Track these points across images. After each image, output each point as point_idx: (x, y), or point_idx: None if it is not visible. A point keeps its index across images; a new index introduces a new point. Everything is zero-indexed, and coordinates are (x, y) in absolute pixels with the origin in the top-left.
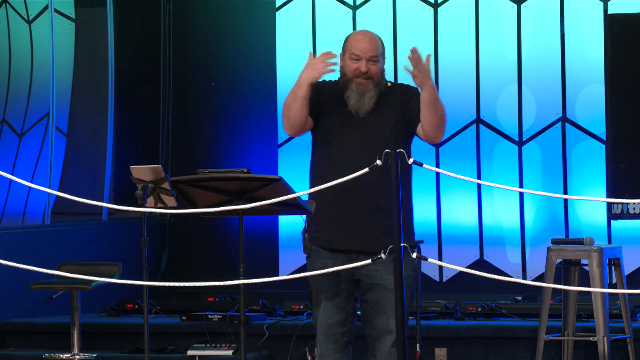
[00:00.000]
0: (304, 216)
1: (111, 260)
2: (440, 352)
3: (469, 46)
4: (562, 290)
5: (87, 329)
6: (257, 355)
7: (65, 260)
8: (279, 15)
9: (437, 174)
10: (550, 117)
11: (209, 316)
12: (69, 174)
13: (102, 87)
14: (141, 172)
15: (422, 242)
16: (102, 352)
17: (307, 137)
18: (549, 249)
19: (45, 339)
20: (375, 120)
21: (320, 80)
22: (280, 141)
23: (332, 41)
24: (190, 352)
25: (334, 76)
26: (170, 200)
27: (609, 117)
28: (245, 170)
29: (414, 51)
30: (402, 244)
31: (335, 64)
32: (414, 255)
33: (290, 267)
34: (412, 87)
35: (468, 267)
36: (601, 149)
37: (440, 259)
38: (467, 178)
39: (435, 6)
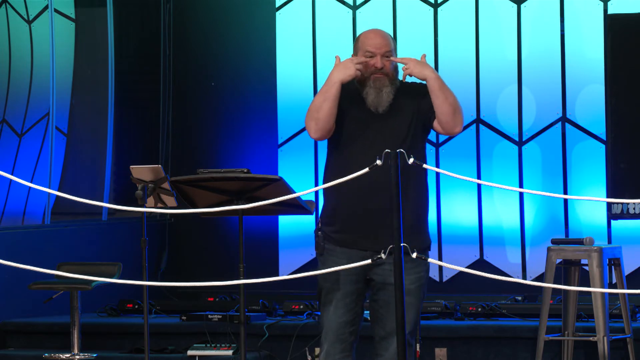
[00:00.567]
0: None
1: (111, 260)
2: (440, 352)
3: (469, 46)
4: (562, 290)
5: (87, 329)
6: (257, 355)
7: (65, 260)
8: (279, 15)
9: (437, 174)
10: (550, 117)
11: (209, 316)
12: (69, 174)
13: (102, 87)
14: (141, 172)
15: None
16: (102, 352)
17: (307, 137)
18: (549, 249)
19: (45, 339)
20: (394, 116)
21: None
22: (280, 141)
23: (332, 41)
24: (190, 352)
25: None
26: (170, 200)
27: (609, 117)
28: (245, 170)
29: (392, 59)
30: (402, 244)
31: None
32: (414, 255)
33: (290, 267)
34: (425, 84)
35: (468, 267)
36: (601, 149)
37: (440, 259)
38: (467, 178)
39: (435, 6)
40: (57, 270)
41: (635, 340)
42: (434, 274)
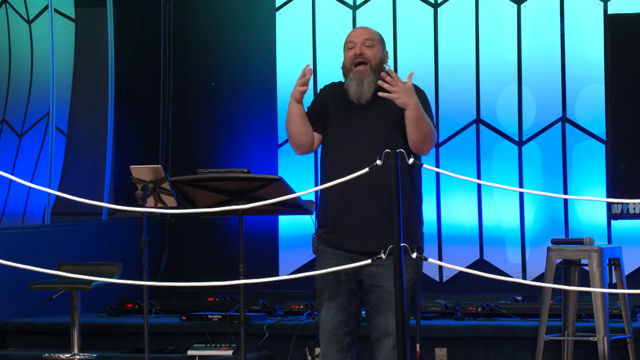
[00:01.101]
0: (313, 217)
1: (111, 260)
2: (440, 352)
3: (469, 46)
4: (562, 290)
5: (87, 329)
6: (257, 355)
7: (65, 260)
8: (279, 15)
9: (437, 174)
10: (550, 117)
11: (209, 316)
12: (69, 174)
13: (102, 87)
14: (141, 172)
15: None
16: (102, 352)
17: None
18: (549, 249)
19: (45, 339)
20: (377, 105)
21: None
22: (280, 141)
23: (332, 41)
24: (190, 352)
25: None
26: (170, 200)
27: (609, 117)
28: (245, 170)
29: (389, 72)
30: (402, 244)
31: (309, 71)
32: (414, 255)
33: (290, 267)
34: (416, 90)
35: (468, 267)
36: (601, 149)
37: (440, 259)
38: (467, 178)
39: (435, 6)
40: (57, 270)
41: (635, 340)
42: (433, 274)
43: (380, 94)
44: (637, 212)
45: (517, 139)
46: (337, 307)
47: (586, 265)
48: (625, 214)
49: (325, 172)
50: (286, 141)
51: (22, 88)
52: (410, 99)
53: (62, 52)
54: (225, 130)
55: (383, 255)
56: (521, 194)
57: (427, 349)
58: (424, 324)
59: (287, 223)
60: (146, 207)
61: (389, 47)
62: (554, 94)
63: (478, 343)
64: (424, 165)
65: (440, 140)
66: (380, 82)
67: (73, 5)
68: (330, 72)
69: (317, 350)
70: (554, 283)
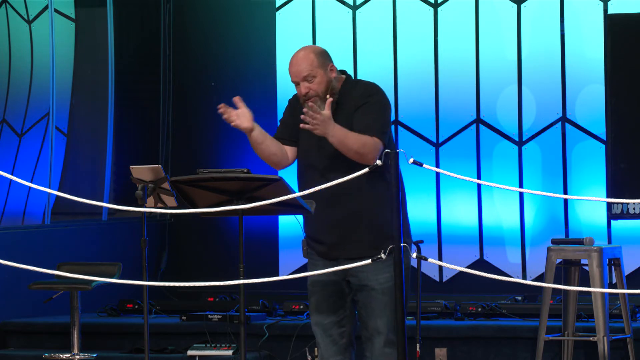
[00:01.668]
0: (301, 221)
1: (111, 260)
2: (440, 352)
3: (469, 46)
4: (562, 290)
5: (87, 329)
6: (257, 355)
7: (65, 260)
8: (279, 15)
9: (437, 174)
10: (550, 117)
11: (209, 316)
12: (69, 174)
13: (102, 87)
14: (141, 172)
15: (422, 242)
16: (102, 352)
17: None
18: (549, 249)
19: (45, 339)
20: (338, 117)
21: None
22: None
23: (332, 41)
24: (190, 352)
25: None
26: (170, 200)
27: (609, 117)
28: (245, 170)
29: (311, 107)
30: (402, 244)
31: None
32: (382, 255)
33: (290, 267)
34: (366, 94)
35: (468, 267)
36: (601, 149)
37: (440, 259)
38: (467, 178)
39: (435, 6)
40: (57, 270)
41: (635, 340)
42: (434, 274)
43: (302, 126)
44: (637, 212)
45: (517, 139)
46: (328, 308)
47: (586, 265)
48: (625, 214)
49: (299, 182)
50: None
51: (22, 88)
52: (326, 128)
53: (62, 52)
54: (225, 130)
55: (383, 256)
56: (521, 194)
57: (427, 349)
58: (424, 324)
59: (287, 223)
60: (146, 207)
61: (389, 47)
62: (554, 94)
63: (478, 343)
64: (424, 165)
65: (440, 140)
66: (302, 117)
67: (73, 5)
68: None
69: (317, 351)
70: (554, 283)
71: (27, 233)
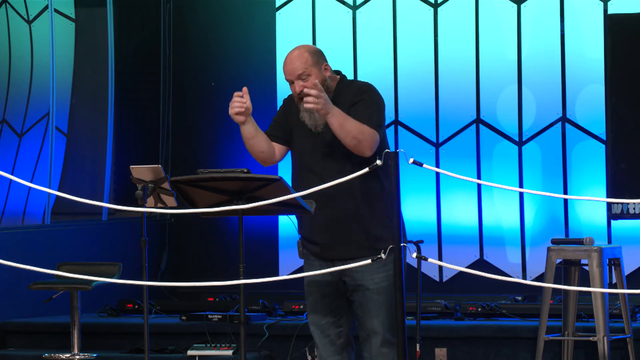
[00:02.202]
0: (296, 222)
1: (111, 260)
2: (440, 352)
3: (469, 46)
4: (562, 290)
5: (87, 329)
6: (257, 355)
7: (65, 260)
8: (279, 15)
9: (437, 174)
10: (550, 117)
11: (209, 316)
12: (69, 174)
13: (102, 87)
14: (141, 172)
15: (422, 242)
16: (102, 352)
17: None
18: (549, 249)
19: (45, 339)
20: (330, 131)
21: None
22: None
23: (332, 41)
24: (190, 352)
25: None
26: (170, 200)
27: (609, 117)
28: (245, 170)
29: (314, 85)
30: (402, 244)
31: (242, 99)
32: (382, 255)
33: (290, 267)
34: (360, 91)
35: (468, 267)
36: (601, 149)
37: (440, 259)
38: (467, 178)
39: (435, 6)
40: (57, 270)
41: (635, 340)
42: (434, 274)
43: (305, 105)
44: (637, 212)
45: (517, 139)
46: (325, 308)
47: (586, 265)
48: (625, 214)
49: (293, 182)
50: None
51: (22, 88)
52: (328, 107)
53: (62, 52)
54: (225, 130)
55: (383, 256)
56: (521, 194)
57: (427, 349)
58: (424, 324)
59: (287, 223)
60: (146, 207)
61: (389, 47)
62: (554, 94)
63: (478, 343)
64: (424, 165)
65: (440, 140)
66: (305, 105)
67: (73, 5)
68: None
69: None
70: (554, 283)
71: (27, 233)
